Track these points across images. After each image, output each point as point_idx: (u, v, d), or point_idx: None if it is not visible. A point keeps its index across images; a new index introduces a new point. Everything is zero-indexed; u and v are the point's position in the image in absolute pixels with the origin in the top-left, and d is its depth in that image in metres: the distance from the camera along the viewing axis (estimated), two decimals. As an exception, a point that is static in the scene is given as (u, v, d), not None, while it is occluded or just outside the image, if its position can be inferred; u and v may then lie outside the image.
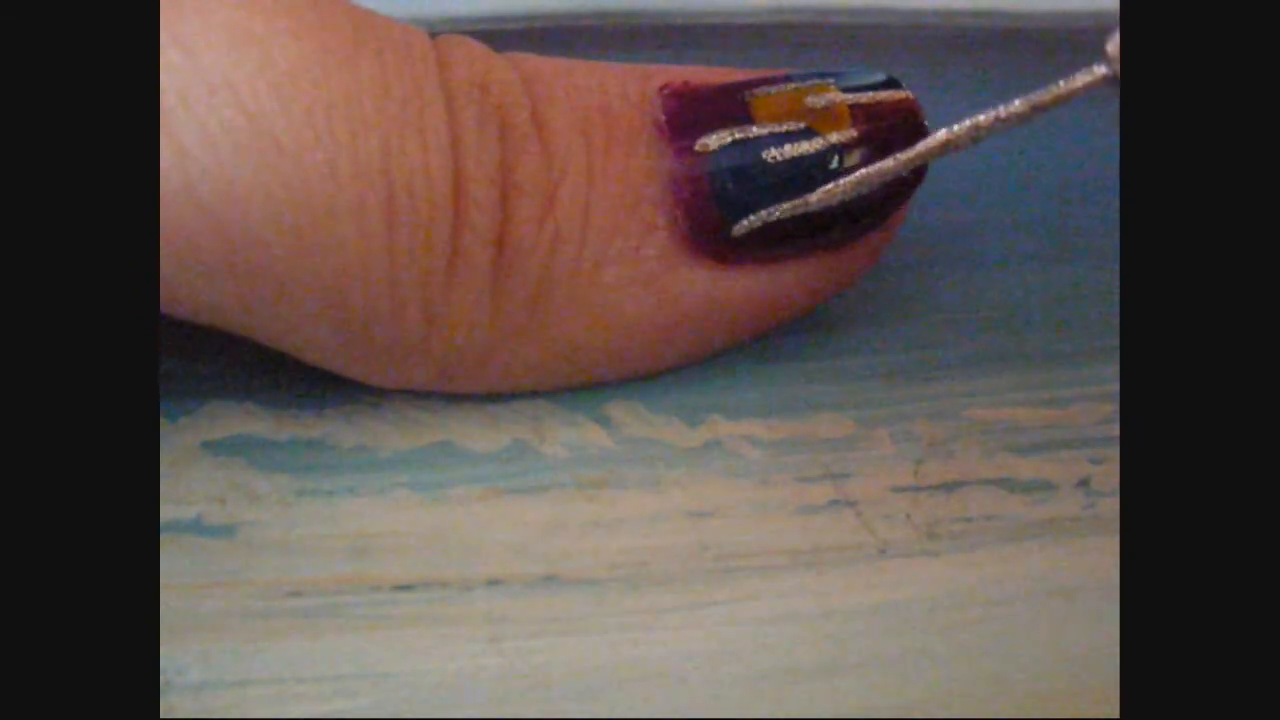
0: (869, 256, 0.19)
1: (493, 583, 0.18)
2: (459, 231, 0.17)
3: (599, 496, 0.18)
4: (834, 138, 0.18)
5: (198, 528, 0.18)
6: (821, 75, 0.18)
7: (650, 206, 0.18)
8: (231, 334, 0.18)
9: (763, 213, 0.18)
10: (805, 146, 0.18)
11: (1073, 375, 0.20)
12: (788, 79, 0.18)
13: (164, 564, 0.17)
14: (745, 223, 0.18)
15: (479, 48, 0.18)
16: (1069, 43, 0.23)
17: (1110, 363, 0.20)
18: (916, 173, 0.18)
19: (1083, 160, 0.21)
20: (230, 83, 0.15)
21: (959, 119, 0.17)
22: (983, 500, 0.19)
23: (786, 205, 0.18)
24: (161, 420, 0.18)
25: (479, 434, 0.18)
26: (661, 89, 0.18)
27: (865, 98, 0.18)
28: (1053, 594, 0.18)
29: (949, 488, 0.19)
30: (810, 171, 0.18)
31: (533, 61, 0.18)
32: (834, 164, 0.18)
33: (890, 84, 0.18)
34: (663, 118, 0.18)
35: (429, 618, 0.17)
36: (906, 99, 0.18)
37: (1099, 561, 0.18)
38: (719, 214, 0.18)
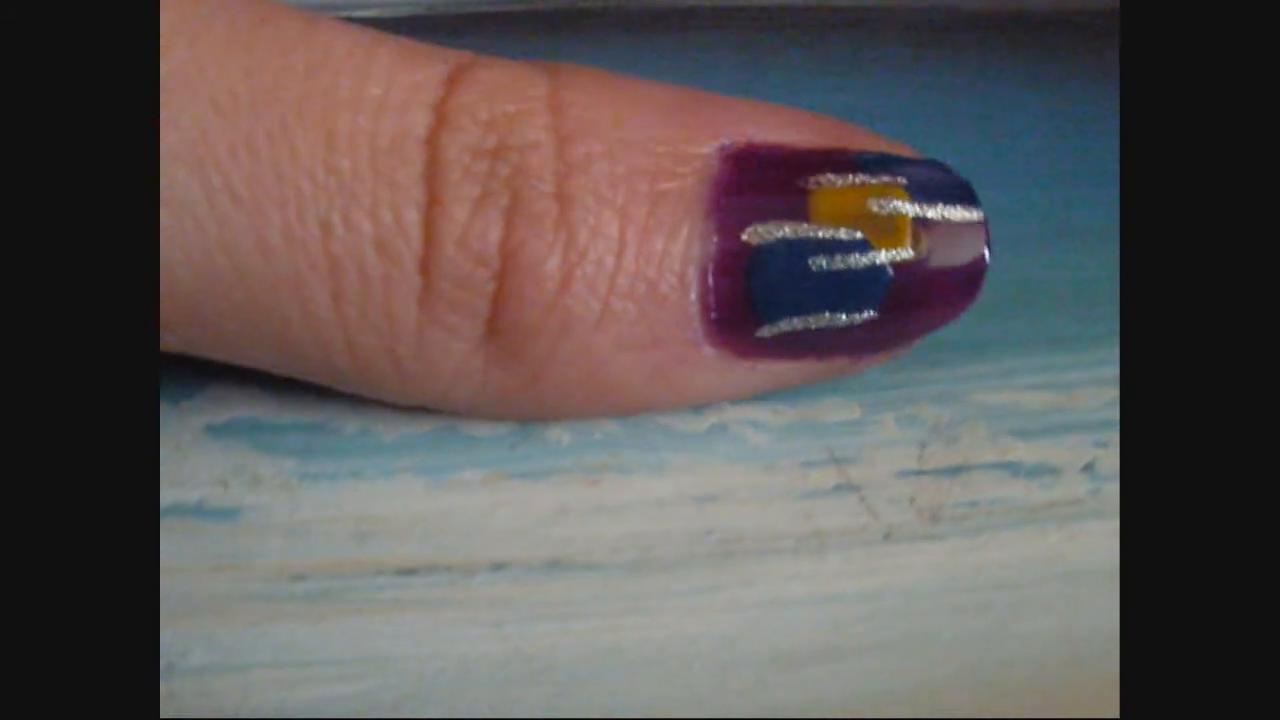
0: (886, 358, 0.18)
1: (496, 567, 0.18)
2: (432, 305, 0.16)
3: (603, 481, 0.18)
4: (884, 256, 0.17)
5: (201, 511, 0.18)
6: (894, 167, 0.17)
7: (682, 296, 0.17)
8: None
9: (796, 320, 0.17)
10: (854, 260, 0.17)
11: (1078, 359, 0.19)
12: (857, 165, 0.17)
13: (166, 547, 0.17)
14: (775, 327, 0.17)
15: (514, 95, 0.16)
16: (1075, 25, 0.23)
17: (1115, 346, 0.20)
18: (958, 300, 0.18)
19: (1087, 143, 0.21)
20: None
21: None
22: (987, 484, 0.19)
23: (824, 316, 0.17)
24: (164, 403, 0.18)
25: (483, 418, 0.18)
26: (721, 150, 0.17)
27: (932, 212, 0.17)
28: (1057, 578, 0.18)
29: (953, 471, 0.19)
30: (853, 287, 0.17)
31: (583, 105, 0.17)
32: (878, 281, 0.17)
33: (964, 194, 0.17)
34: (713, 195, 0.17)
35: (433, 602, 0.17)
36: (975, 222, 0.17)
37: (1104, 545, 0.18)
38: (751, 313, 0.17)
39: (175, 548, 0.17)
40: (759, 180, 0.17)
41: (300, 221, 0.15)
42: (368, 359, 0.16)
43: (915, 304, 0.17)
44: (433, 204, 0.16)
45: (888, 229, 0.17)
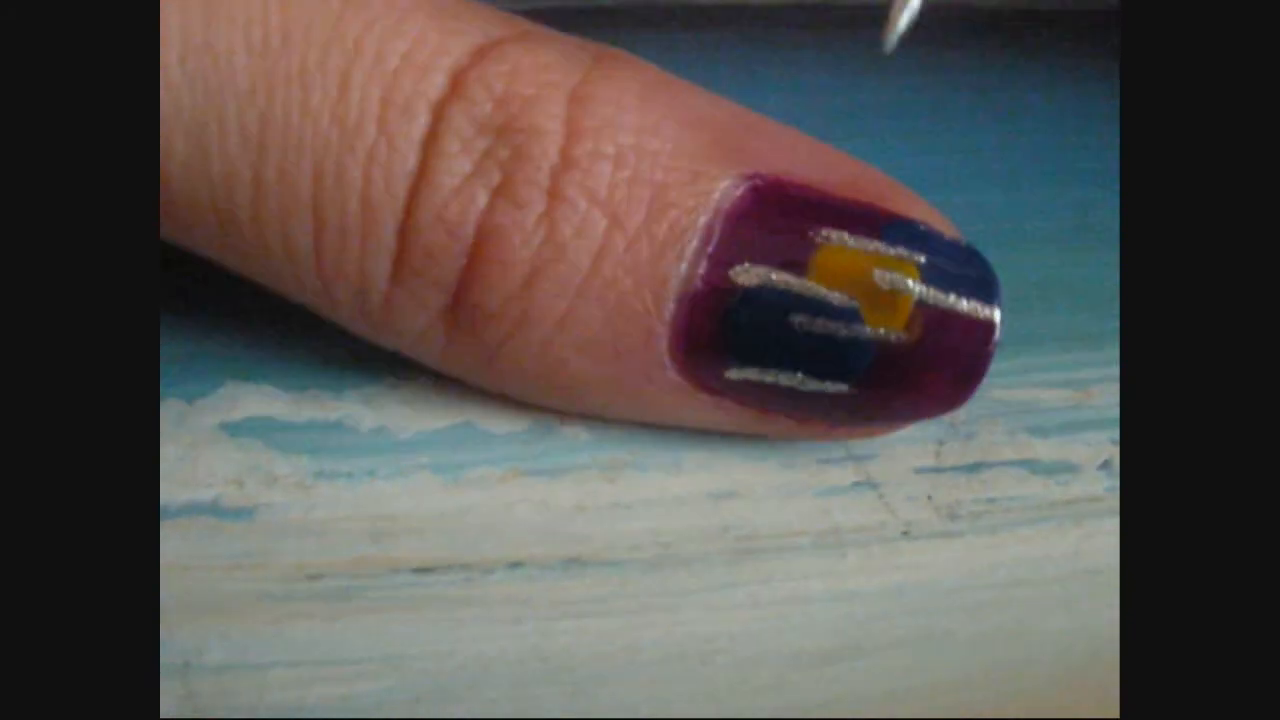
0: (865, 434, 0.18)
1: (514, 565, 0.17)
2: (401, 270, 0.16)
3: (620, 478, 0.18)
4: (869, 331, 0.16)
5: (216, 510, 0.17)
6: (917, 242, 0.16)
7: (653, 315, 0.16)
8: (249, 316, 0.18)
9: (764, 371, 0.16)
10: (837, 327, 0.16)
11: (1094, 356, 0.19)
12: (880, 231, 0.16)
13: (183, 546, 0.17)
14: (743, 372, 0.16)
15: (538, 78, 0.16)
16: (1093, 23, 0.23)
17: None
18: (948, 396, 0.17)
19: (1103, 142, 0.21)
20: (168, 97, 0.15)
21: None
22: (1004, 481, 0.19)
23: (795, 376, 0.16)
24: (180, 402, 0.18)
25: (499, 415, 0.18)
26: (743, 178, 0.16)
27: (940, 299, 0.16)
28: (1074, 575, 0.18)
29: (971, 469, 0.19)
30: (830, 354, 0.16)
31: (608, 102, 0.16)
32: (859, 355, 0.16)
33: (983, 289, 0.16)
34: (715, 222, 0.16)
35: (450, 600, 0.17)
36: (984, 321, 0.16)
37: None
38: (721, 352, 0.16)
39: (191, 546, 0.17)
40: (769, 220, 0.16)
41: (296, 165, 0.15)
42: (339, 303, 0.17)
43: (898, 388, 0.16)
44: (423, 170, 0.16)
45: (886, 304, 0.16)
